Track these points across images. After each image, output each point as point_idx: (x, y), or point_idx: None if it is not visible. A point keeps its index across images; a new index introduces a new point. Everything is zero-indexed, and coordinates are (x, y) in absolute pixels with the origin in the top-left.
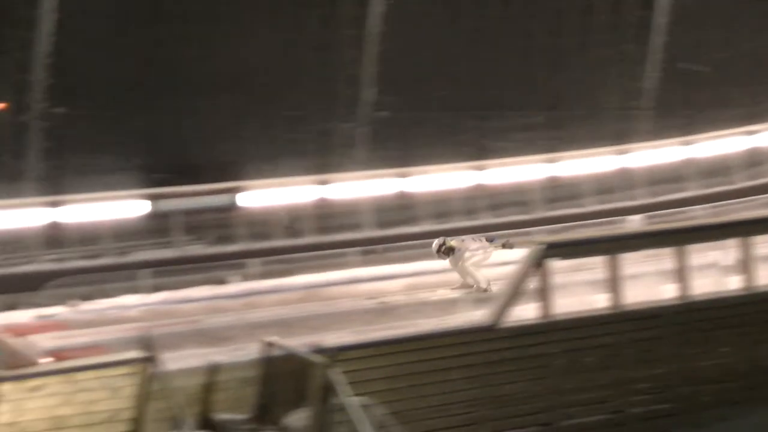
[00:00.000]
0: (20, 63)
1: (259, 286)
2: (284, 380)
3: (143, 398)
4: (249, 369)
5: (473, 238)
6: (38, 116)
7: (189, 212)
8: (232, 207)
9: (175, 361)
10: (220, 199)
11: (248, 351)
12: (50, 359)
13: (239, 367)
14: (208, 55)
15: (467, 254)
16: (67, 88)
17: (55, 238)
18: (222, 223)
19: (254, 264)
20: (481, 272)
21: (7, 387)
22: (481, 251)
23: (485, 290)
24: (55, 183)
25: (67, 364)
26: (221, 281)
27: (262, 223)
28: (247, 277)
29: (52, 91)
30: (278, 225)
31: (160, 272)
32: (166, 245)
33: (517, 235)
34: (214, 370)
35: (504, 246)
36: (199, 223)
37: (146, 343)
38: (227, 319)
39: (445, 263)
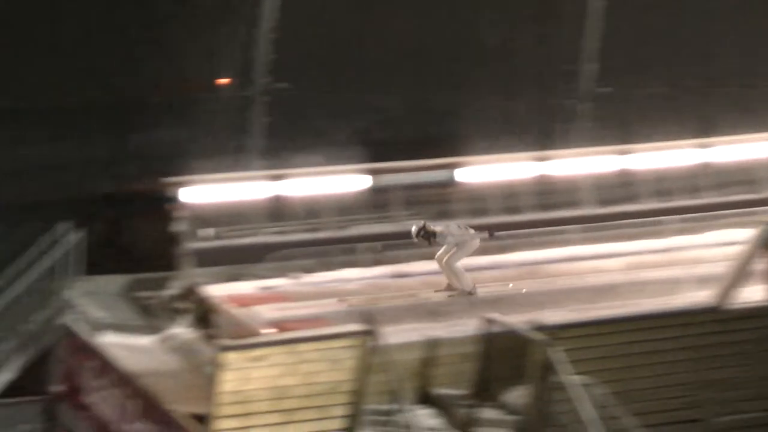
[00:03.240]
0: (244, 39)
1: (478, 262)
2: (503, 357)
3: (363, 371)
4: (468, 345)
5: (458, 225)
6: (261, 91)
7: (408, 187)
8: (450, 182)
9: (394, 334)
10: (438, 174)
11: (467, 327)
12: (272, 330)
13: (458, 343)
14: (428, 29)
15: (449, 239)
16: (290, 63)
17: (277, 211)
18: (440, 198)
19: None
20: (465, 274)
21: (231, 356)
22: (463, 239)
23: (470, 293)
24: (278, 157)
25: (290, 335)
26: None
27: (480, 199)
28: None
29: (275, 66)
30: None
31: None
32: (386, 220)
33: (744, 215)
34: (433, 344)
35: (490, 235)
36: (417, 198)
37: (367, 316)
38: (446, 294)
39: (663, 243)
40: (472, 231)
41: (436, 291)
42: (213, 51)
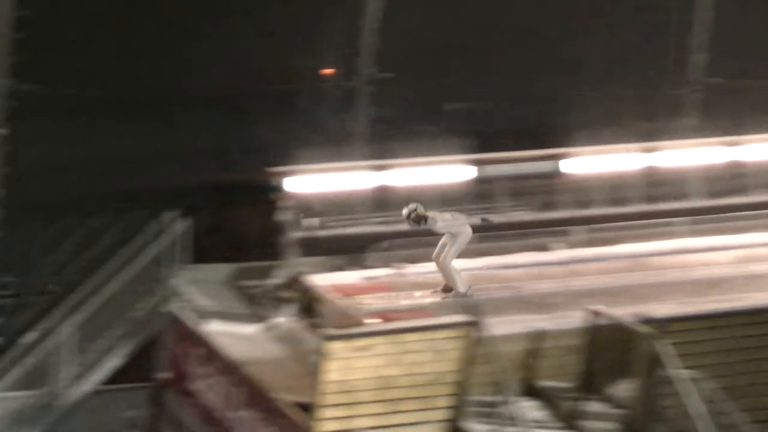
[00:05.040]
0: (349, 29)
1: (584, 253)
2: (609, 350)
3: (468, 362)
4: (573, 337)
5: (451, 214)
6: (366, 81)
7: (513, 178)
8: (556, 174)
9: (499, 326)
10: (544, 165)
11: (572, 319)
12: (376, 320)
13: (563, 335)
14: (534, 18)
15: (439, 224)
16: (395, 53)
17: (381, 201)
18: (546, 189)
19: (578, 231)
20: (461, 274)
21: (336, 346)
22: (454, 227)
23: (464, 295)
24: (382, 147)
25: (394, 325)
26: (544, 248)
27: (586, 191)
28: (570, 244)
29: (380, 56)
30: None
31: (482, 237)
32: (490, 210)
33: None
34: (538, 336)
35: (483, 222)
36: (522, 189)
37: (471, 307)
38: (551, 286)
39: None
40: (464, 218)
41: (433, 292)
42: (318, 41)
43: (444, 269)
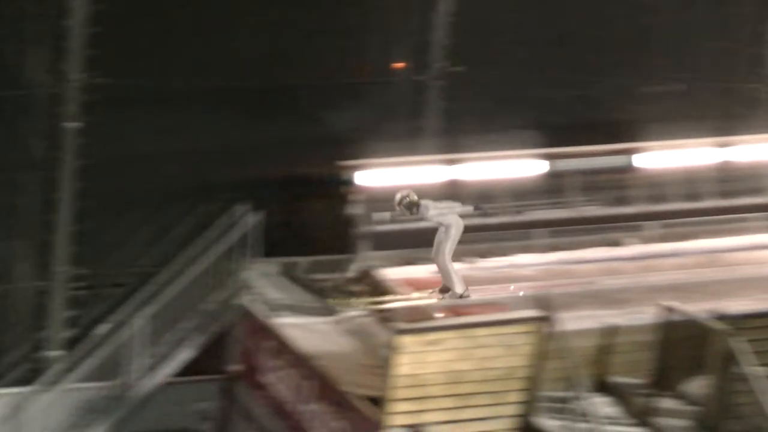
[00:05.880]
0: (421, 23)
1: (657, 249)
2: (683, 346)
3: (539, 357)
4: (646, 333)
5: (444, 203)
6: (437, 75)
7: (585, 172)
8: (629, 168)
9: (570, 321)
10: (616, 159)
11: (645, 314)
12: (447, 314)
13: (636, 331)
14: (606, 11)
15: (431, 212)
16: (467, 47)
17: (451, 195)
18: (618, 184)
19: (651, 226)
20: (458, 275)
21: (406, 340)
22: (444, 216)
23: (461, 296)
24: (453, 141)
25: (465, 319)
26: (617, 243)
27: (659, 185)
28: (643, 240)
29: (451, 50)
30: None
31: (554, 232)
32: (562, 205)
33: None
34: (610, 332)
35: (476, 210)
36: (594, 184)
37: (543, 302)
38: (623, 282)
39: None
40: (458, 207)
41: (431, 292)
42: (390, 34)
43: (442, 268)
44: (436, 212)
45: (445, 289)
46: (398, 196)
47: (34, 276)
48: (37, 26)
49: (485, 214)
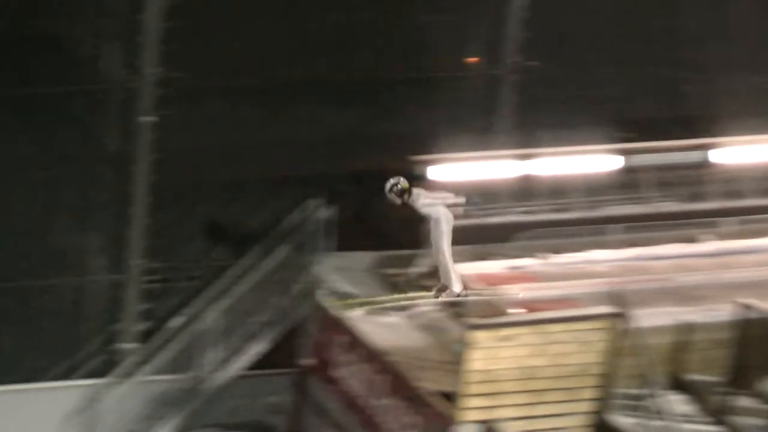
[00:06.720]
0: (495, 18)
1: (733, 245)
2: (760, 344)
3: (613, 354)
4: (722, 330)
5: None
6: (510, 70)
7: (660, 168)
8: (705, 164)
9: (645, 318)
10: (692, 155)
11: (721, 312)
12: (521, 310)
13: (712, 328)
14: (680, 5)
15: (422, 201)
16: (541, 41)
17: (525, 190)
18: (695, 179)
19: (727, 222)
20: (457, 275)
21: (480, 335)
22: (434, 207)
23: (458, 295)
24: (526, 136)
25: (539, 315)
26: (693, 239)
27: (736, 181)
28: (720, 236)
29: (525, 44)
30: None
31: (629, 228)
32: (637, 201)
33: None
34: (686, 329)
35: (468, 203)
36: (670, 179)
37: (618, 298)
38: (699, 278)
39: None
40: (451, 197)
41: (429, 291)
42: (463, 29)
43: (441, 266)
44: (426, 202)
45: (442, 288)
46: (388, 184)
47: (109, 269)
48: (112, 22)
49: (477, 206)
